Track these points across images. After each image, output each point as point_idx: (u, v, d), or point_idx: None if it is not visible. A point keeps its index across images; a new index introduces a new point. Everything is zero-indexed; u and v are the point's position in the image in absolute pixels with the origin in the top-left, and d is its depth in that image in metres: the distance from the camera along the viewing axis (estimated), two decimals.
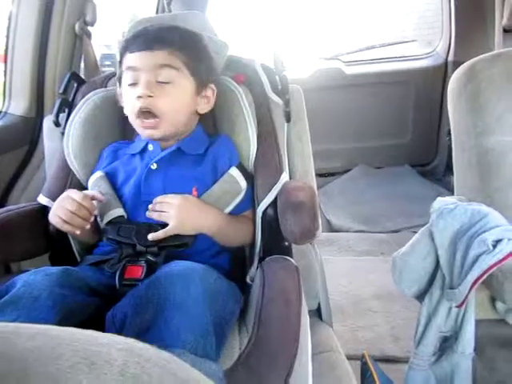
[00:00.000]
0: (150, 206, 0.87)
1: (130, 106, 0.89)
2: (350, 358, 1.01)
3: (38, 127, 1.32)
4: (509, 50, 1.04)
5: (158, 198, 0.87)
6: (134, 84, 0.87)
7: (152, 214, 0.86)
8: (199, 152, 0.93)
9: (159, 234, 0.83)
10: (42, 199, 0.98)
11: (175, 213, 0.84)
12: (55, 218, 0.86)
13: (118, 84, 0.97)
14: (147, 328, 0.61)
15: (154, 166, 0.90)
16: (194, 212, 0.86)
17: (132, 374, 0.23)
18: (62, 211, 0.84)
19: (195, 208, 0.86)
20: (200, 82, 0.92)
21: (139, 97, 0.85)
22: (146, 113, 0.86)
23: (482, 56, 1.04)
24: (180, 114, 0.90)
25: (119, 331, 0.65)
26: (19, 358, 0.22)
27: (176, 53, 0.88)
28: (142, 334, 0.61)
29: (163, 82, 0.87)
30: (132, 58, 0.88)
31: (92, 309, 0.73)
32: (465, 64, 1.04)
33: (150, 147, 0.93)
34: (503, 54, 1.02)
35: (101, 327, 0.67)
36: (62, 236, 0.94)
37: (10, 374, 0.21)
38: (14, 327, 0.25)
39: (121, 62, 0.91)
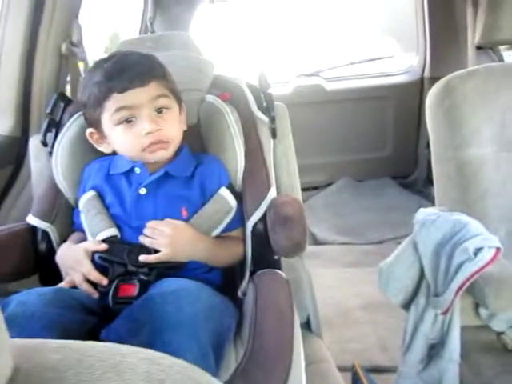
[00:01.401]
0: (144, 231, 0.87)
1: (135, 143, 0.87)
2: (339, 369, 1.02)
3: (23, 147, 1.32)
4: (481, 67, 1.09)
5: (151, 224, 0.88)
6: (129, 121, 0.87)
7: (144, 240, 0.87)
8: (187, 174, 0.93)
9: (151, 258, 0.84)
10: (31, 219, 0.98)
11: (167, 241, 0.85)
12: (75, 275, 0.86)
13: (89, 123, 0.94)
14: None
15: (142, 191, 0.91)
16: (185, 241, 0.87)
17: (158, 380, 0.25)
18: (78, 274, 0.86)
19: (187, 237, 0.88)
20: (179, 102, 0.94)
21: (148, 133, 0.86)
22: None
23: (456, 73, 1.08)
24: (180, 135, 0.93)
25: None
26: (52, 368, 0.23)
27: (162, 81, 0.89)
28: None
29: (161, 112, 0.88)
30: (125, 98, 0.85)
31: (87, 327, 0.73)
32: (441, 80, 1.09)
33: (137, 170, 0.93)
34: (476, 71, 1.07)
35: None
36: (51, 256, 0.94)
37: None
38: (36, 342, 0.27)
39: (99, 103, 0.87)
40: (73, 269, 0.87)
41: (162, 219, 0.89)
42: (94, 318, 0.76)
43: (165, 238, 0.85)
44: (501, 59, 2.09)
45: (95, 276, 0.84)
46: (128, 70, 0.86)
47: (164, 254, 0.85)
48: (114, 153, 0.95)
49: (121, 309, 0.73)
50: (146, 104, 0.86)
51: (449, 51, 2.29)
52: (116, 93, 0.85)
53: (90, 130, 0.94)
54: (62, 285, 0.86)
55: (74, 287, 0.85)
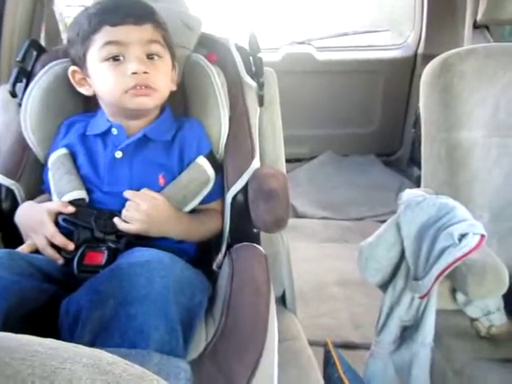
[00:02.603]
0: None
1: (118, 83, 0.82)
2: (311, 344, 1.01)
3: None
4: (480, 46, 1.05)
5: (128, 194, 0.82)
6: (116, 59, 0.82)
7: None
8: (167, 138, 0.88)
9: (122, 226, 0.80)
10: None
11: (141, 218, 0.80)
12: (37, 238, 0.81)
13: (73, 61, 0.89)
14: (107, 324, 0.58)
15: (118, 155, 0.86)
16: (161, 219, 0.82)
17: None
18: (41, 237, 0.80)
19: (163, 215, 0.83)
20: (173, 58, 0.89)
21: (134, 73, 0.80)
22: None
23: (454, 50, 1.04)
24: (168, 89, 0.88)
25: (73, 324, 0.61)
26: None
27: (158, 27, 0.85)
28: (102, 331, 0.58)
29: (152, 58, 0.83)
30: (115, 32, 0.81)
31: (47, 296, 0.69)
32: (438, 57, 1.05)
33: (114, 131, 0.87)
34: (476, 50, 1.03)
35: (57, 315, 0.63)
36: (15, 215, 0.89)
37: None
38: None
39: (87, 37, 0.83)
40: (35, 231, 0.81)
41: (137, 187, 0.84)
42: (54, 286, 0.71)
43: (140, 213, 0.80)
44: (496, 40, 2.06)
45: (60, 240, 0.79)
46: (124, 5, 0.84)
47: (135, 229, 0.80)
48: (95, 100, 0.90)
49: (86, 278, 0.68)
50: (137, 44, 0.82)
51: (445, 29, 2.24)
52: (107, 25, 0.81)
53: (72, 67, 0.89)
54: (23, 247, 0.81)
55: (36, 251, 0.80)
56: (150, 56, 0.83)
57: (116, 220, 0.80)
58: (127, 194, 0.83)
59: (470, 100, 1.00)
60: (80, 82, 0.89)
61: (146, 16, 0.84)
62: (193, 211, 0.89)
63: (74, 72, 0.89)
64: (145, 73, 0.81)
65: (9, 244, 0.89)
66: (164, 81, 0.86)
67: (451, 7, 2.21)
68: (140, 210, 0.81)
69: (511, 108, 1.01)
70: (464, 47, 1.06)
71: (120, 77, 0.81)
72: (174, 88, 0.91)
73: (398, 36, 2.73)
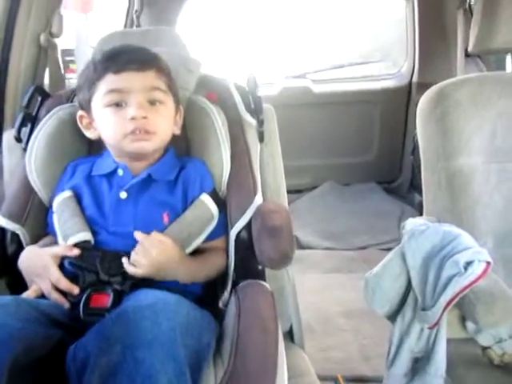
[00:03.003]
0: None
1: (118, 127, 0.85)
2: (321, 379, 1.00)
3: None
4: (474, 75, 1.08)
5: (138, 238, 0.82)
6: (118, 105, 0.85)
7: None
8: (170, 178, 0.90)
9: (131, 270, 0.80)
10: (1, 220, 0.92)
11: (149, 263, 0.80)
12: (42, 283, 0.81)
13: (80, 106, 0.92)
14: (115, 369, 0.57)
15: (123, 195, 0.87)
16: (169, 265, 0.83)
17: None
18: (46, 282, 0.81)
19: (172, 260, 0.83)
20: (177, 103, 0.92)
21: (133, 118, 0.83)
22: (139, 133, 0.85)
23: (449, 80, 1.06)
24: (168, 133, 0.90)
25: (80, 371, 0.60)
26: None
27: (160, 74, 0.87)
28: (111, 376, 0.57)
29: (154, 103, 0.86)
30: (118, 80, 0.84)
31: (53, 342, 0.68)
32: (433, 87, 1.07)
33: (120, 172, 0.89)
34: (470, 79, 1.06)
35: (64, 362, 0.62)
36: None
37: None
38: None
39: (93, 83, 0.87)
40: (39, 276, 0.81)
41: (142, 226, 0.85)
42: (60, 332, 0.71)
43: (148, 258, 0.80)
44: (488, 66, 2.11)
45: (65, 284, 0.79)
46: (128, 52, 0.86)
47: (143, 273, 0.80)
48: (99, 143, 0.92)
49: (92, 321, 0.68)
50: (139, 91, 0.84)
51: (438, 57, 2.30)
52: (111, 73, 0.84)
53: (80, 112, 0.91)
54: (28, 293, 0.81)
55: (42, 296, 0.80)
56: (151, 102, 0.86)
57: (125, 262, 0.80)
58: (137, 236, 0.83)
59: (466, 128, 1.01)
60: (87, 126, 0.92)
61: (148, 62, 0.86)
62: (197, 249, 0.90)
63: (81, 116, 0.92)
64: (144, 118, 0.83)
65: (14, 289, 0.89)
66: (164, 125, 0.88)
67: (442, 37, 2.28)
68: (149, 256, 0.80)
69: (508, 134, 1.02)
70: (458, 77, 1.09)
71: (120, 121, 0.84)
72: (178, 132, 0.94)
73: (391, 66, 2.80)
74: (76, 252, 0.81)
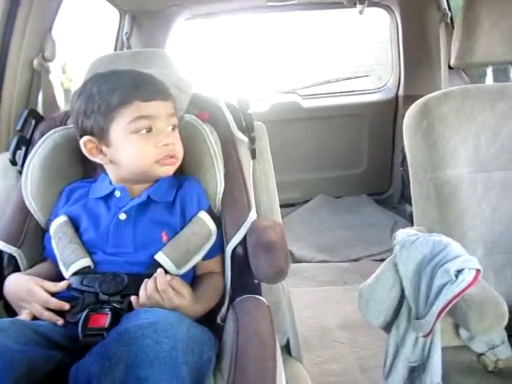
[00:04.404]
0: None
1: (149, 153, 0.88)
2: None
3: None
4: (457, 88, 1.11)
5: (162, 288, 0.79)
6: (148, 131, 0.88)
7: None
8: (169, 199, 0.91)
9: (134, 302, 0.79)
10: None
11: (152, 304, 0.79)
12: (31, 307, 0.82)
13: (84, 131, 0.90)
14: None
15: (122, 217, 0.88)
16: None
17: None
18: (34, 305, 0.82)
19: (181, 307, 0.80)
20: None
21: (166, 145, 0.88)
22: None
23: (433, 94, 1.09)
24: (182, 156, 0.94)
25: None
26: None
27: (174, 102, 0.93)
28: None
29: (174, 129, 0.91)
30: (146, 107, 0.87)
31: (54, 363, 0.69)
32: (418, 101, 1.10)
33: (118, 194, 0.90)
34: (452, 92, 1.09)
35: (65, 382, 0.63)
36: None
37: None
38: None
39: (114, 109, 0.87)
40: (26, 301, 0.82)
41: (141, 246, 0.86)
42: (60, 353, 0.71)
43: (164, 301, 0.79)
44: (472, 79, 2.17)
45: (55, 304, 0.80)
46: (151, 82, 0.90)
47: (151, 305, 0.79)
48: (93, 165, 0.94)
49: (91, 341, 0.69)
50: (165, 118, 0.89)
51: (422, 70, 2.35)
52: (139, 101, 0.86)
53: (87, 137, 0.90)
54: (23, 317, 0.81)
55: (35, 318, 0.81)
56: (173, 128, 0.91)
57: (133, 301, 0.79)
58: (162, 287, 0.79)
59: (451, 140, 1.04)
60: (92, 151, 0.91)
61: (169, 93, 0.92)
62: (196, 276, 0.91)
63: (86, 142, 0.90)
64: (173, 144, 0.89)
65: (11, 311, 0.89)
66: (182, 148, 0.93)
67: (426, 50, 2.34)
68: (166, 301, 0.79)
69: (491, 145, 1.05)
70: (442, 90, 1.11)
71: (152, 147, 0.87)
72: None
73: (377, 80, 2.85)
74: (64, 284, 0.83)
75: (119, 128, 0.87)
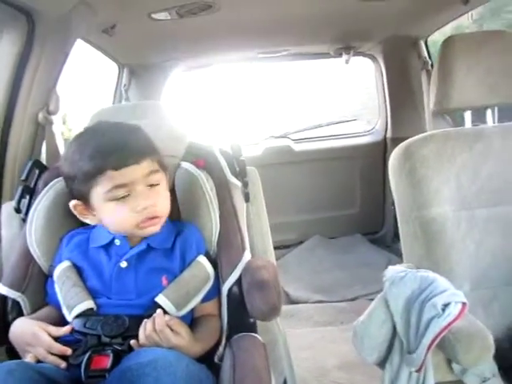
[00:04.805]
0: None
1: (127, 219, 0.88)
2: None
3: None
4: (438, 132, 1.17)
5: (149, 327, 0.82)
6: (123, 197, 0.88)
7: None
8: (167, 246, 0.95)
9: (134, 345, 0.82)
10: (1, 289, 0.95)
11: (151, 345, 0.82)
12: (35, 351, 0.84)
13: (73, 195, 0.94)
14: None
15: (123, 265, 0.91)
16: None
17: None
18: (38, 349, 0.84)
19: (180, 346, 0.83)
20: (165, 171, 0.96)
21: (144, 209, 0.87)
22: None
23: (415, 137, 1.16)
24: (169, 208, 0.95)
25: None
26: None
27: (153, 157, 0.92)
28: None
29: (154, 186, 0.90)
30: (119, 176, 0.86)
31: None
32: (401, 144, 1.16)
33: (117, 242, 0.93)
34: (434, 135, 1.15)
35: None
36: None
37: None
38: None
39: (91, 177, 0.87)
40: (31, 345, 0.85)
41: (143, 292, 0.89)
42: None
43: (162, 341, 0.81)
44: (455, 122, 2.26)
45: (58, 349, 0.82)
46: (122, 147, 0.88)
47: (150, 346, 0.82)
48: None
49: (94, 383, 0.71)
50: (141, 180, 0.88)
51: (408, 114, 2.45)
52: (110, 170, 0.86)
53: (74, 202, 0.93)
54: (26, 360, 0.83)
55: (39, 361, 0.83)
56: (151, 185, 0.90)
57: (133, 344, 0.82)
58: (149, 326, 0.82)
59: (434, 180, 1.10)
60: (82, 212, 0.94)
61: (143, 152, 0.90)
62: (194, 319, 0.94)
63: (76, 205, 0.93)
64: (152, 205, 0.89)
65: (13, 356, 0.91)
66: (166, 203, 0.93)
67: (410, 95, 2.44)
68: (164, 340, 0.81)
69: (472, 184, 1.11)
70: (423, 134, 1.18)
71: (130, 213, 0.88)
72: (168, 194, 0.97)
73: (365, 124, 2.95)
74: (67, 329, 0.85)
75: (97, 195, 0.88)
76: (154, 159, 0.92)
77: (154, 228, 0.91)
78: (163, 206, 0.92)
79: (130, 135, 0.91)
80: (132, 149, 0.88)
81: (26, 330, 0.87)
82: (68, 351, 0.82)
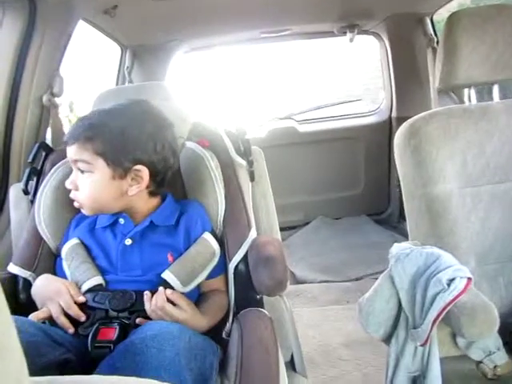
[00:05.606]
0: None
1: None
2: None
3: (2, 196, 1.32)
4: (442, 109, 1.17)
5: (162, 306, 0.83)
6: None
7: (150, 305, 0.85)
8: (171, 223, 0.96)
9: (141, 322, 0.83)
10: (13, 268, 0.98)
11: (163, 317, 0.83)
12: (52, 306, 0.86)
13: None
14: None
15: (128, 242, 0.93)
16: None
17: None
18: (56, 306, 0.86)
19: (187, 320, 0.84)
20: (119, 169, 0.90)
21: (68, 189, 0.93)
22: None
23: (420, 115, 1.15)
24: (101, 199, 0.91)
25: None
26: None
27: (86, 144, 0.88)
28: None
29: (82, 172, 0.91)
30: (67, 150, 0.92)
31: (60, 353, 0.74)
32: (406, 122, 1.16)
33: (121, 221, 0.95)
34: (437, 113, 1.15)
35: None
36: (32, 305, 0.93)
37: None
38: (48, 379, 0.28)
39: None
40: (51, 300, 0.86)
41: (149, 268, 0.91)
42: (66, 351, 0.76)
43: (166, 316, 0.83)
44: (461, 99, 2.24)
45: (75, 311, 0.84)
46: (78, 125, 0.91)
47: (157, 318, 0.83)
48: None
49: (99, 353, 0.73)
50: (73, 162, 0.91)
51: (413, 93, 2.43)
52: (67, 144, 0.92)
53: None
54: (37, 313, 0.85)
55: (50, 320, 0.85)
56: (81, 171, 0.91)
57: (139, 321, 0.83)
58: (161, 306, 0.83)
59: (439, 157, 1.10)
60: None
61: (75, 136, 0.89)
62: (201, 293, 0.96)
63: None
64: (74, 189, 0.92)
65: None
66: (88, 193, 0.90)
67: (415, 74, 2.42)
68: (168, 316, 0.83)
69: (477, 161, 1.10)
70: (427, 111, 1.17)
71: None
72: (133, 193, 0.92)
73: (370, 103, 2.93)
74: (82, 299, 0.87)
75: None
76: (87, 147, 0.88)
77: (82, 210, 0.93)
78: (84, 195, 0.91)
79: (91, 117, 0.93)
80: (78, 129, 0.90)
81: (53, 283, 0.90)
82: (82, 317, 0.84)
